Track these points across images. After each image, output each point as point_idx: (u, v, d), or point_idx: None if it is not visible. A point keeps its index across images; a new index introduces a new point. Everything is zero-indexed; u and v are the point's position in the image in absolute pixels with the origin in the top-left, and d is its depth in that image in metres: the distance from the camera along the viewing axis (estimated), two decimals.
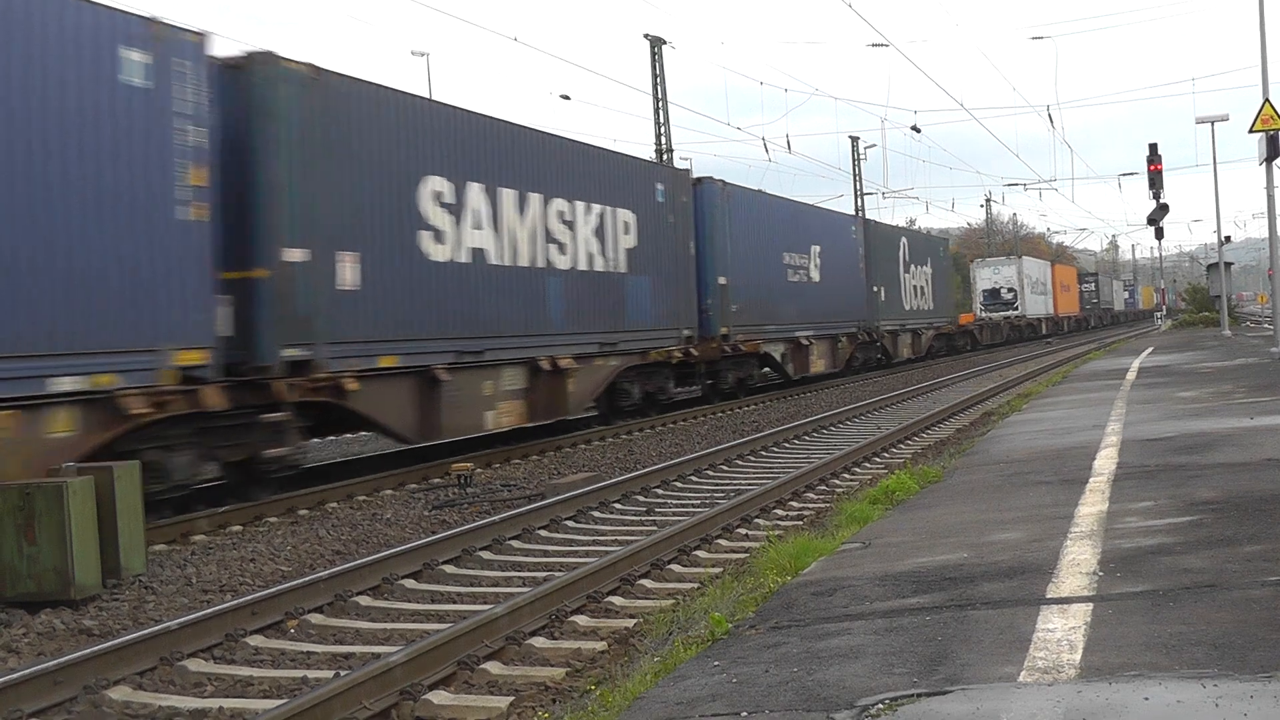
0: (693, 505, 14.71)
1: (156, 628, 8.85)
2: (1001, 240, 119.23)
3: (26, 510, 10.68)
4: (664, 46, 50.88)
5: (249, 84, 15.45)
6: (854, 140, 75.98)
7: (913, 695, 4.97)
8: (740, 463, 18.67)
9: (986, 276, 72.32)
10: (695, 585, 10.02)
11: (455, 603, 10.28)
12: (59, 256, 12.46)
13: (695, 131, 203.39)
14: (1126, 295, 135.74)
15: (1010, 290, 70.97)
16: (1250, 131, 34.11)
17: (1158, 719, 4.46)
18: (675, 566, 11.14)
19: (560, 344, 22.22)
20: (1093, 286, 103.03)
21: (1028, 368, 41.62)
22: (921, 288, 51.72)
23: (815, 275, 37.91)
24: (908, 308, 49.18)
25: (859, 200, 75.08)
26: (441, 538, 12.16)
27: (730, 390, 31.68)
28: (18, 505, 10.71)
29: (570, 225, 22.88)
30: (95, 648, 8.37)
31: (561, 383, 22.19)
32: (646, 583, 10.49)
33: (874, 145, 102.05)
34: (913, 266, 50.49)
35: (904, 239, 50.64)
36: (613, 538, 12.86)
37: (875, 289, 44.40)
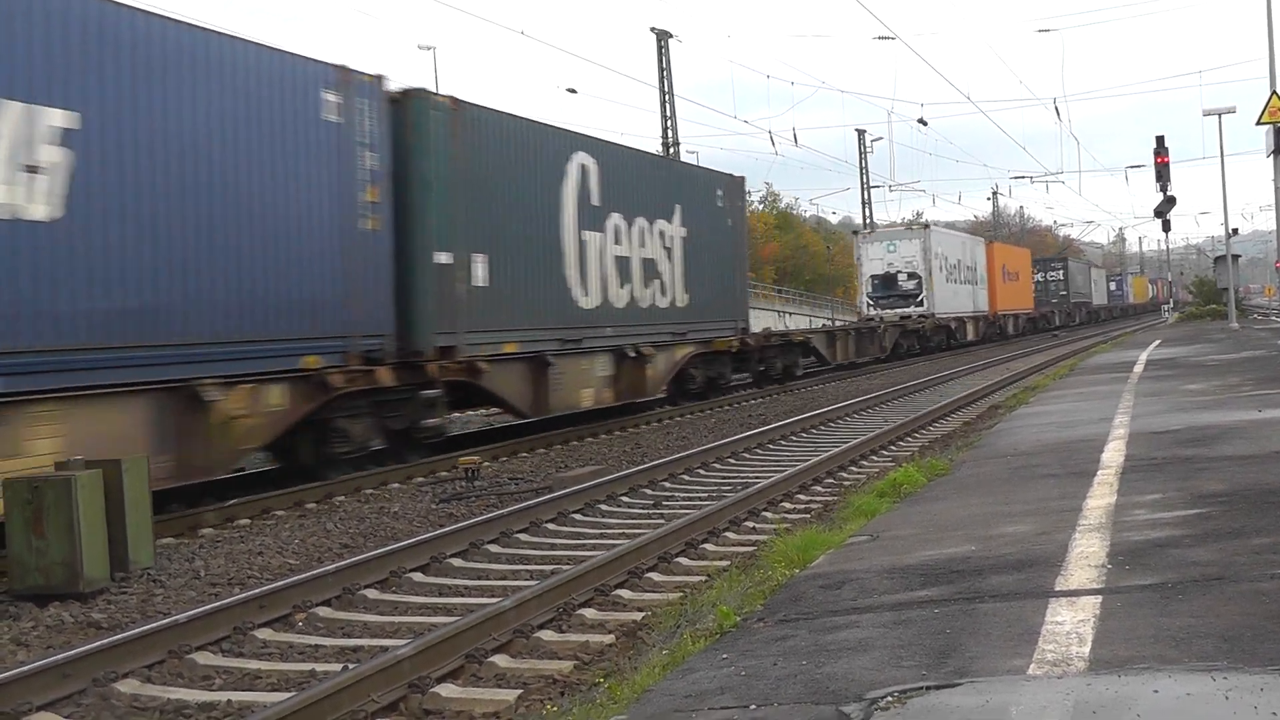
0: (700, 498, 14.71)
1: (165, 621, 8.87)
2: (1008, 232, 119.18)
3: (35, 504, 10.70)
4: (670, 40, 50.91)
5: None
6: (860, 133, 76.14)
7: (921, 688, 4.97)
8: (747, 456, 18.66)
9: (876, 256, 51.33)
10: (703, 578, 10.02)
11: (463, 596, 10.28)
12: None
13: (702, 125, 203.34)
14: (1112, 287, 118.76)
15: (912, 276, 50.27)
16: (1258, 124, 34.12)
17: (1167, 712, 4.45)
18: (683, 559, 11.14)
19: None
20: (1059, 275, 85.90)
21: (1032, 361, 41.57)
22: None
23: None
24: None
25: (865, 193, 75.13)
26: (449, 531, 12.16)
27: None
28: (26, 499, 10.73)
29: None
30: (104, 641, 8.38)
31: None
32: (654, 576, 10.49)
33: (880, 138, 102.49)
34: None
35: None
36: (620, 531, 12.87)
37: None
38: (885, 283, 50.69)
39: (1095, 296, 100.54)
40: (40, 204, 12.34)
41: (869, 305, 50.94)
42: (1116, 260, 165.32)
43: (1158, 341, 38.38)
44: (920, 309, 49.86)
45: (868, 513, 10.34)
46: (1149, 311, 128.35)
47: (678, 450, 19.13)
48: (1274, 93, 31.24)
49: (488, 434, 22.80)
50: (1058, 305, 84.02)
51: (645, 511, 14.07)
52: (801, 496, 14.39)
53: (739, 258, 30.94)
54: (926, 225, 52.68)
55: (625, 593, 9.89)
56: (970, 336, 57.38)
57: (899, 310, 49.70)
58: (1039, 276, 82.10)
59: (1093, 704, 4.55)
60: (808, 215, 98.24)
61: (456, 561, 11.49)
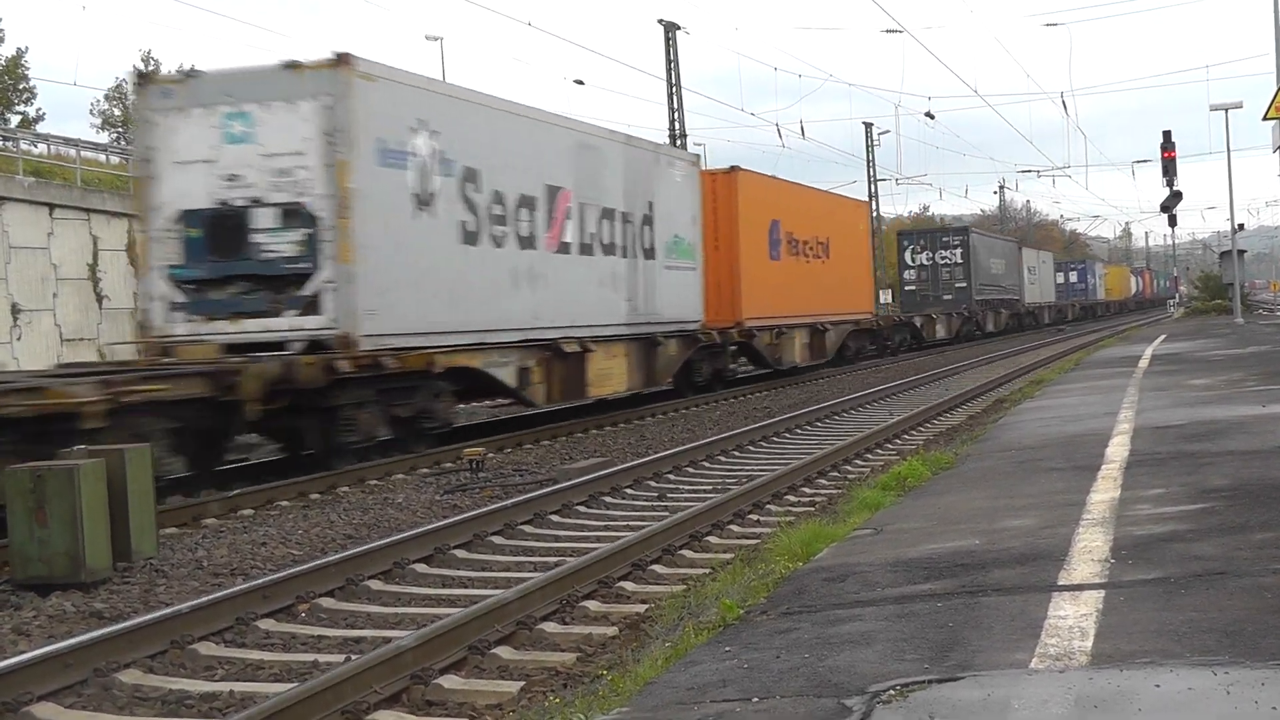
0: (704, 491, 14.70)
1: (167, 611, 8.87)
2: (1014, 226, 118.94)
3: (38, 493, 10.69)
4: (678, 32, 50.82)
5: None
6: (868, 126, 75.87)
7: (924, 681, 4.97)
8: (752, 448, 18.66)
9: None
10: (707, 571, 10.01)
11: (466, 587, 10.28)
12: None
13: (709, 117, 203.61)
14: (1071, 278, 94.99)
15: None
16: (1264, 119, 34.01)
17: (1169, 706, 4.44)
18: (687, 552, 11.13)
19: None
20: (955, 257, 58.97)
21: (1039, 355, 41.54)
22: None
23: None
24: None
25: (873, 186, 75.02)
26: (453, 522, 12.17)
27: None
28: (29, 488, 10.72)
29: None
30: (106, 630, 8.38)
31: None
32: (658, 568, 10.49)
33: (888, 131, 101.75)
34: None
35: None
36: (624, 523, 12.86)
37: None
38: None
39: (1031, 291, 74.02)
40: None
41: None
42: (1122, 255, 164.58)
43: (1163, 336, 38.36)
44: None
45: (872, 506, 10.34)
46: (1133, 311, 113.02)
47: (683, 442, 19.12)
48: None
49: (493, 425, 22.77)
50: (950, 305, 57.42)
51: (649, 504, 14.07)
52: (806, 490, 14.39)
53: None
54: None
55: (629, 585, 9.89)
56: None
57: None
58: (916, 256, 60.81)
59: (1094, 698, 4.55)
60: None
61: (460, 553, 11.49)
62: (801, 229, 35.06)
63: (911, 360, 43.47)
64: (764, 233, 32.25)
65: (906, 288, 60.86)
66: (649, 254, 25.64)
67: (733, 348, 30.48)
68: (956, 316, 56.72)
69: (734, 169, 31.09)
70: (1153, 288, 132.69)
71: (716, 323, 28.96)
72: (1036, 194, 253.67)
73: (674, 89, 50.74)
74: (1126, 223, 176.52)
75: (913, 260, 60.81)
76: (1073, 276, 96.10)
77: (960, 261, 59.33)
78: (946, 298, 58.18)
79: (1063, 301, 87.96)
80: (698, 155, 30.05)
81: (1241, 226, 57.17)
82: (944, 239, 61.12)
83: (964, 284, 58.91)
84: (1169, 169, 46.09)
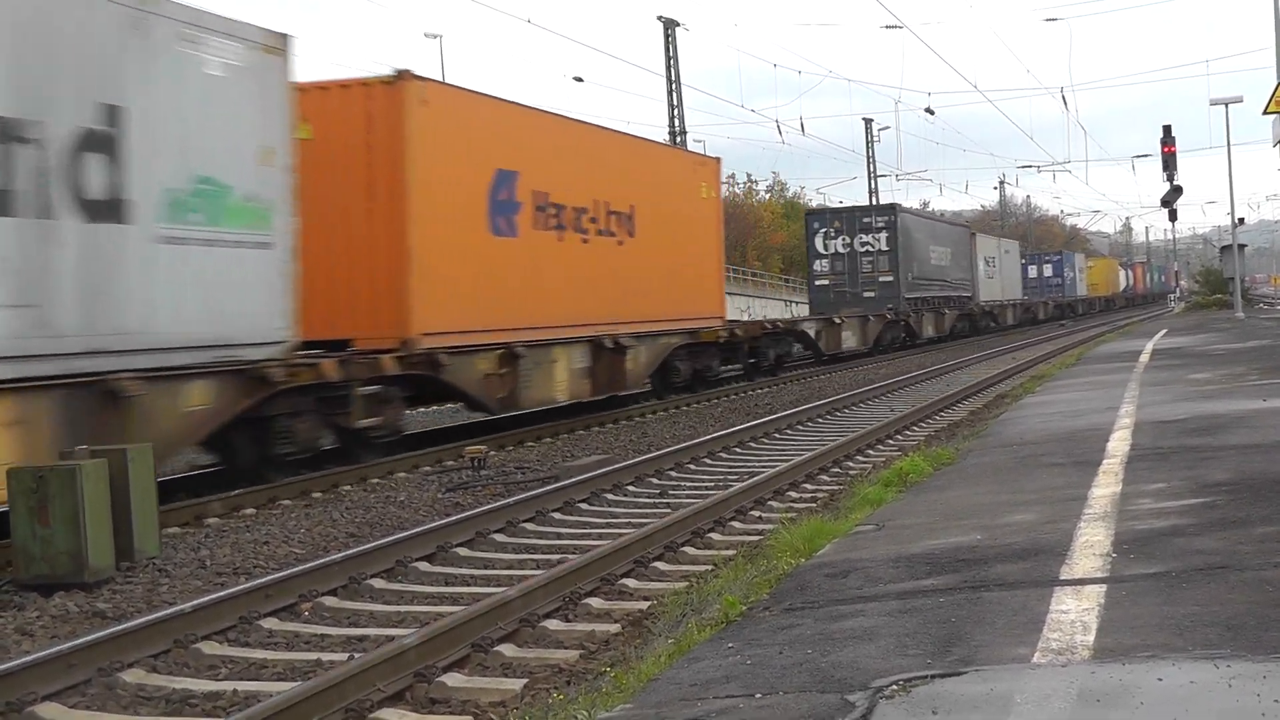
0: (706, 487, 14.71)
1: (170, 610, 8.87)
2: (1015, 222, 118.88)
3: (40, 493, 10.69)
4: (677, 28, 50.87)
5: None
6: (868, 122, 76.00)
7: (926, 676, 4.97)
8: (754, 445, 18.66)
9: None
10: (709, 567, 10.02)
11: (469, 585, 10.29)
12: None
13: (708, 114, 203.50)
14: (1047, 273, 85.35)
15: None
16: (1264, 113, 34.04)
17: (1171, 700, 4.45)
18: (689, 549, 11.14)
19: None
20: (879, 242, 46.90)
21: (1042, 349, 41.53)
22: None
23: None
24: None
25: (873, 182, 75.03)
26: (455, 520, 12.17)
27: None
28: (31, 488, 10.73)
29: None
30: (109, 630, 8.39)
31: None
32: (660, 565, 10.50)
33: (888, 127, 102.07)
34: None
35: None
36: (626, 520, 12.87)
37: None
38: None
39: (989, 287, 62.41)
40: None
41: None
42: (1123, 249, 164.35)
43: (1164, 331, 38.36)
44: None
45: (874, 502, 10.34)
46: (1121, 309, 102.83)
47: (684, 439, 19.12)
48: None
49: (494, 423, 22.76)
50: (872, 304, 45.45)
51: (652, 501, 14.08)
52: (808, 486, 14.40)
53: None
54: None
55: (631, 582, 9.89)
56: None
57: None
58: (829, 243, 47.78)
59: (1096, 692, 4.56)
60: (814, 205, 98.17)
61: (463, 551, 11.50)
62: (570, 189, 22.50)
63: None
64: (480, 189, 19.83)
65: (817, 283, 48.05)
66: (105, 211, 12.76)
67: (380, 388, 17.11)
68: (876, 321, 43.88)
69: (403, 75, 18.09)
70: (1146, 283, 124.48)
71: (371, 340, 17.44)
72: (1037, 189, 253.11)
73: (673, 85, 50.78)
74: (1127, 218, 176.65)
75: (825, 248, 47.71)
76: (1046, 270, 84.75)
77: (886, 249, 46.71)
78: (868, 295, 45.71)
79: (1033, 299, 76.58)
80: (285, 37, 15.34)
81: (1242, 221, 57.15)
82: (865, 220, 47.69)
83: (890, 278, 46.41)
84: (1169, 164, 46.11)
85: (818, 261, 47.87)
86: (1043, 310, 76.80)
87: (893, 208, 49.65)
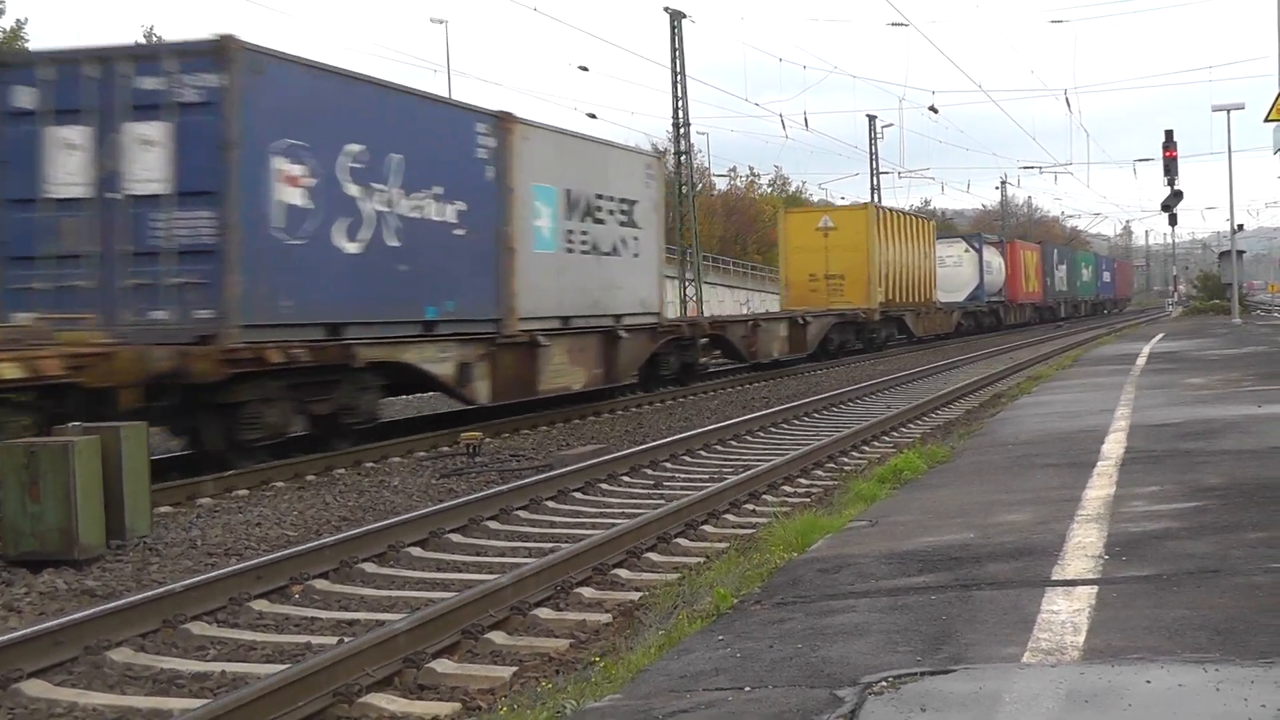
0: (701, 480, 14.70)
1: (160, 590, 8.87)
2: (1015, 222, 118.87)
3: (31, 469, 10.69)
4: (684, 20, 50.77)
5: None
6: (871, 119, 75.84)
7: (916, 674, 4.97)
8: (749, 438, 18.65)
9: None
10: (701, 560, 10.02)
11: (461, 572, 10.29)
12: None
13: (713, 106, 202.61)
14: (996, 272, 60.02)
15: None
16: (1266, 120, 34.01)
17: (1159, 702, 4.45)
18: (682, 540, 11.13)
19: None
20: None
21: (1039, 351, 41.53)
22: None
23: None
24: None
25: (875, 179, 75.01)
26: (448, 506, 12.17)
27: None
28: (22, 463, 10.72)
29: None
30: (98, 608, 8.38)
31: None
32: (653, 556, 10.50)
33: (891, 125, 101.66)
34: None
35: None
36: (620, 510, 12.86)
37: None
38: None
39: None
40: None
41: None
42: (1123, 252, 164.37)
43: (1161, 335, 38.38)
44: None
45: (868, 498, 10.34)
46: (1092, 316, 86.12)
47: (680, 431, 19.12)
48: None
49: (490, 410, 22.75)
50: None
51: (646, 491, 14.07)
52: (802, 481, 14.38)
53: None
54: None
55: (623, 572, 9.89)
56: None
57: None
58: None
59: (1085, 693, 4.56)
60: (816, 200, 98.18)
61: (455, 537, 11.49)
62: None
63: None
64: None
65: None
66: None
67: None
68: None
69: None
70: (1125, 285, 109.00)
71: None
72: (1038, 190, 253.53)
73: (678, 77, 50.69)
74: (1127, 221, 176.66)
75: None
76: (994, 271, 60.13)
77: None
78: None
79: (975, 305, 58.05)
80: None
81: (1241, 227, 57.15)
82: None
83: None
84: (1170, 168, 46.15)
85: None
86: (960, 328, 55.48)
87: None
